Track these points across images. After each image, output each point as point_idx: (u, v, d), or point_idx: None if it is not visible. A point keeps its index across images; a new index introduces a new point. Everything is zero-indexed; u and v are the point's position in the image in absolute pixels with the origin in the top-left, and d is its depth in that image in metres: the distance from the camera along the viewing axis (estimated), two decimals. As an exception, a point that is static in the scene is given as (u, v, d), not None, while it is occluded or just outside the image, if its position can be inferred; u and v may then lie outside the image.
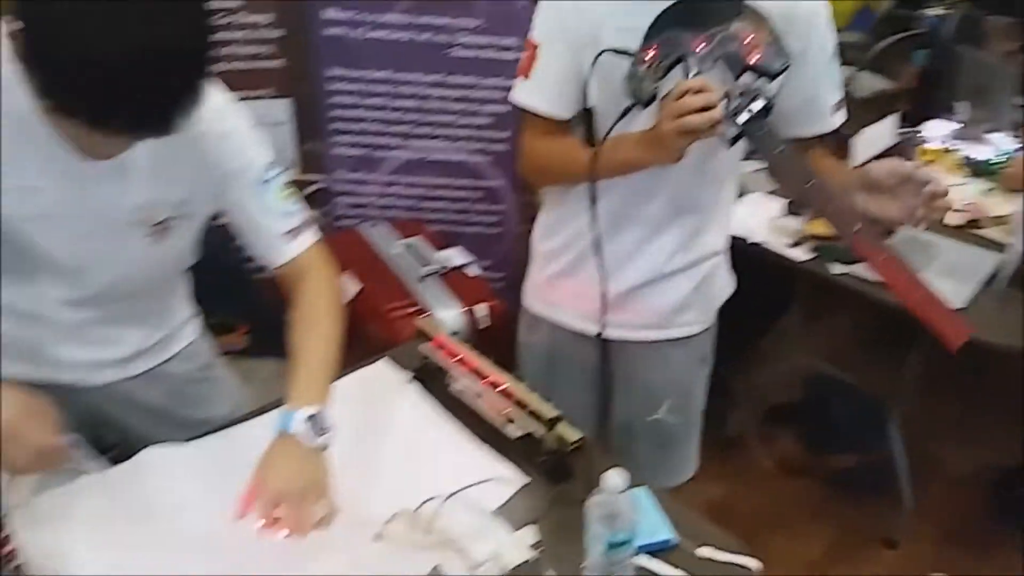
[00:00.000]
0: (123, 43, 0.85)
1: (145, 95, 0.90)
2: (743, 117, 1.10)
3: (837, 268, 2.07)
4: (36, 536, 1.07)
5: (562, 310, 1.58)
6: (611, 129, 1.25)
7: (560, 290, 1.56)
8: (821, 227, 2.13)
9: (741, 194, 2.50)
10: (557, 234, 1.52)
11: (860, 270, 2.01)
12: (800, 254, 2.15)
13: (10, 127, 1.02)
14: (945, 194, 1.25)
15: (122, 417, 1.38)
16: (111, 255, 1.19)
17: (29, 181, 1.06)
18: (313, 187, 2.45)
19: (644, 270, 1.47)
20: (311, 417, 1.11)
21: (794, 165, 1.13)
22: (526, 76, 1.36)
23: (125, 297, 1.29)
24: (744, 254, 2.14)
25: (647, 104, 1.19)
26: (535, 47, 1.34)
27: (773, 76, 1.15)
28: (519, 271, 2.56)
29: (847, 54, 1.63)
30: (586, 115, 1.35)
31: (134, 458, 1.25)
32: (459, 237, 2.45)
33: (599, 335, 1.46)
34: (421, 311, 2.06)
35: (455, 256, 2.24)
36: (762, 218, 2.26)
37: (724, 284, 1.60)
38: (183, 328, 1.45)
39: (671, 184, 1.38)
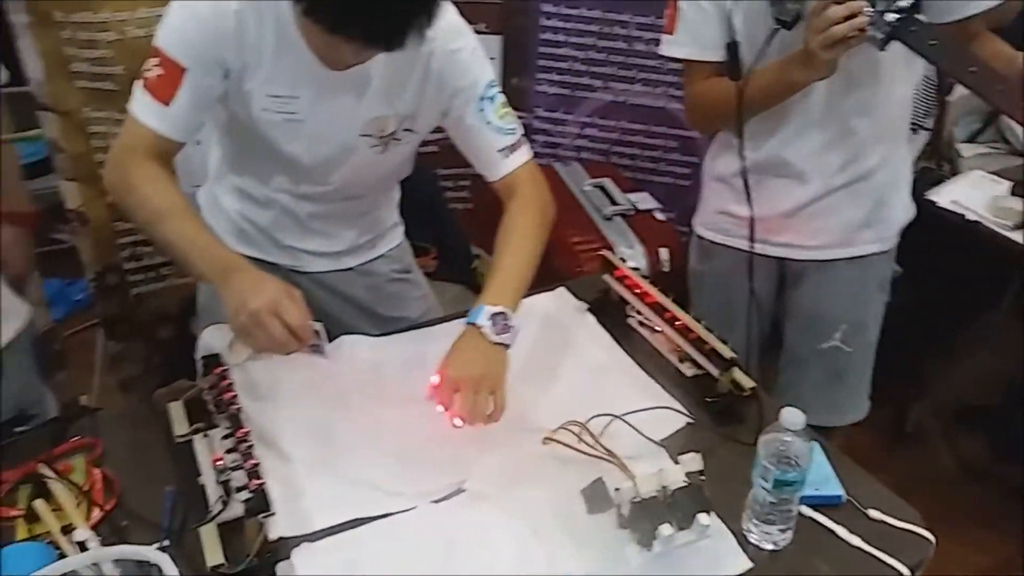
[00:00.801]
0: None
1: (382, 6, 0.98)
2: (891, 17, 1.10)
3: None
4: (248, 394, 1.21)
5: (736, 232, 1.58)
6: (760, 55, 1.30)
7: (733, 213, 1.57)
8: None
9: (960, 172, 2.33)
10: (729, 159, 1.53)
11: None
12: (1022, 238, 1.97)
13: (275, 42, 1.15)
14: None
15: (326, 306, 1.53)
16: (342, 160, 1.31)
17: (286, 90, 1.19)
18: (513, 123, 2.50)
19: (814, 188, 1.48)
20: (498, 314, 1.18)
21: (953, 53, 1.12)
22: (671, 32, 1.45)
23: (348, 198, 1.42)
24: (961, 231, 2.00)
25: (792, 25, 1.23)
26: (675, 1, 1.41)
27: None
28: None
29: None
30: (733, 49, 1.39)
31: (337, 340, 1.38)
32: (647, 185, 2.43)
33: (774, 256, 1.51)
34: (604, 248, 2.08)
35: (643, 200, 2.24)
36: (984, 197, 2.09)
37: (903, 207, 1.57)
38: (390, 232, 1.59)
39: (830, 100, 1.39)
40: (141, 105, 1.17)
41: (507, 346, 1.18)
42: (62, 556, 0.97)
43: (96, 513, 1.06)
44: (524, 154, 1.33)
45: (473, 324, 1.18)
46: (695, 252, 1.72)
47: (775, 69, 1.33)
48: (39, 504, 1.05)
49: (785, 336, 1.64)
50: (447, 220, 2.51)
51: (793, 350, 1.64)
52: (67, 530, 1.01)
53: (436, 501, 1.10)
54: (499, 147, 1.30)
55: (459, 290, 2.31)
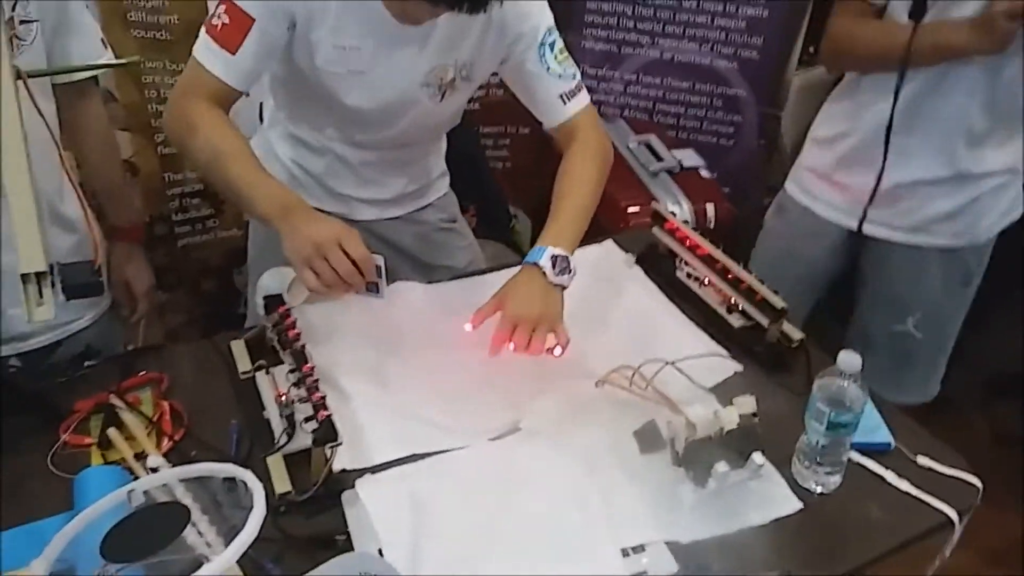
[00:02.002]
0: None
1: None
2: None
3: None
4: (306, 337, 1.24)
5: (823, 198, 1.57)
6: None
7: (828, 178, 1.56)
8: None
9: None
10: (843, 121, 1.51)
11: None
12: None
13: None
14: None
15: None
16: (402, 110, 1.32)
17: (351, 42, 1.21)
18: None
19: (923, 169, 1.44)
20: (559, 257, 1.20)
21: None
22: None
23: (401, 146, 1.44)
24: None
25: None
26: None
27: None
28: (746, 186, 2.52)
29: None
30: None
31: (390, 286, 1.40)
32: (691, 144, 2.43)
33: (858, 230, 1.47)
34: (650, 203, 2.09)
35: (688, 157, 2.23)
36: None
37: (1008, 207, 1.52)
38: (437, 181, 1.60)
39: (975, 83, 1.35)
40: (206, 51, 1.17)
41: (564, 288, 1.20)
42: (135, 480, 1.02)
43: (166, 443, 1.10)
44: (583, 99, 1.34)
45: (534, 264, 1.20)
46: (773, 206, 1.73)
47: (944, 28, 1.29)
48: (112, 432, 1.09)
49: (857, 311, 1.63)
50: (487, 178, 2.52)
51: (864, 328, 1.63)
52: (139, 457, 1.05)
53: (493, 439, 1.13)
54: (559, 92, 1.31)
55: (497, 248, 2.33)
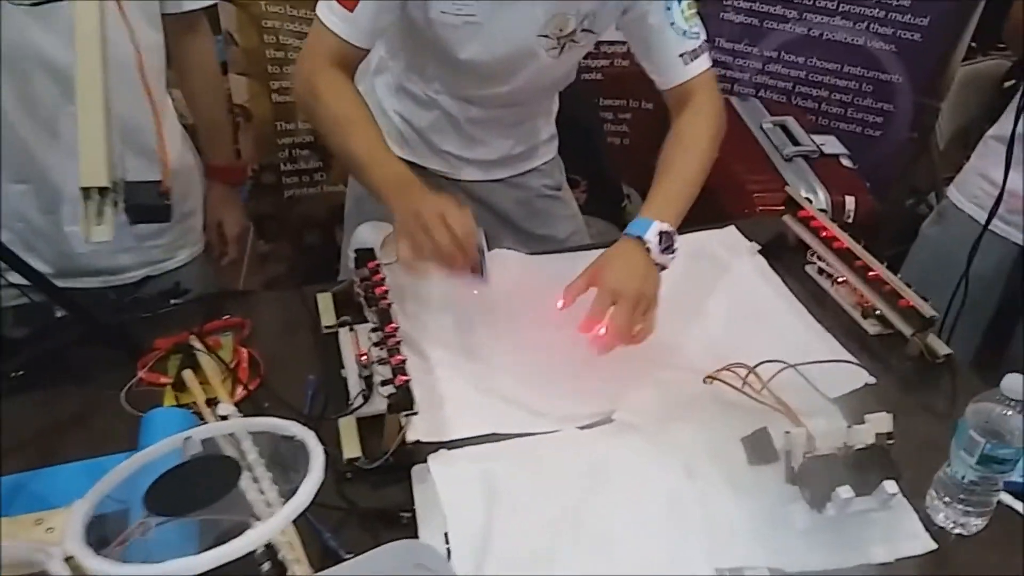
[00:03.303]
0: None
1: None
2: None
3: None
4: (395, 295, 1.17)
5: (982, 203, 1.44)
6: None
7: (989, 179, 1.44)
8: None
9: None
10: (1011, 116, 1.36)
11: None
12: None
13: None
14: None
15: (475, 217, 1.47)
16: (516, 63, 1.24)
17: None
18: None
19: None
20: (666, 233, 1.09)
21: None
22: None
23: (512, 104, 1.36)
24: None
25: None
26: None
27: None
28: (889, 182, 2.29)
29: None
30: None
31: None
32: (831, 132, 2.22)
33: None
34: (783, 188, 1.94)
35: (829, 143, 2.04)
36: None
37: None
38: (544, 145, 1.51)
39: None
40: (326, 11, 1.14)
41: (664, 268, 1.10)
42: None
43: (240, 391, 1.06)
44: (705, 61, 1.22)
45: (639, 238, 1.09)
46: (933, 214, 1.60)
47: None
48: (187, 374, 1.05)
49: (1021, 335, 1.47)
50: (601, 153, 2.41)
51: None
52: (211, 403, 1.01)
53: (582, 427, 1.03)
54: (681, 51, 1.19)
55: (604, 226, 2.22)
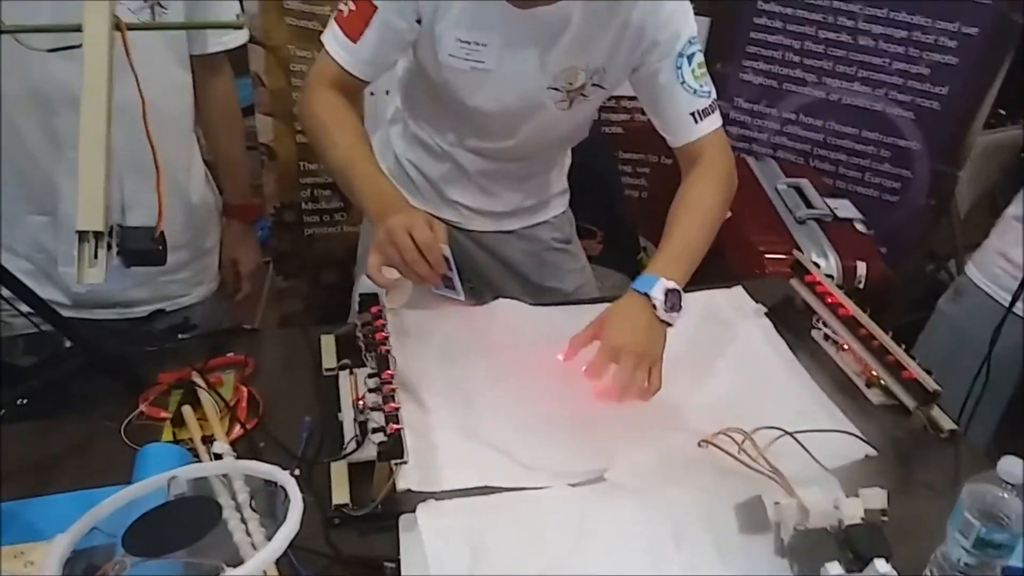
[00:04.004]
0: None
1: None
2: None
3: None
4: (397, 340, 1.18)
5: (1001, 283, 1.43)
6: None
7: (1008, 258, 1.43)
8: None
9: None
10: None
11: None
12: None
13: None
14: None
15: (484, 267, 1.49)
16: (525, 113, 1.26)
17: (475, 35, 1.15)
18: (709, 110, 2.36)
19: None
20: (672, 291, 1.09)
21: None
22: None
23: (522, 157, 1.38)
24: None
25: None
26: None
27: None
28: (907, 248, 2.28)
29: None
30: None
31: (490, 304, 1.34)
32: (848, 196, 2.21)
33: None
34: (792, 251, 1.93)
35: (843, 207, 2.03)
36: None
37: None
38: (555, 199, 1.53)
39: None
40: (331, 38, 1.18)
41: (670, 326, 1.09)
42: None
43: (237, 429, 1.06)
44: (715, 120, 1.23)
45: (645, 294, 1.09)
46: (950, 290, 1.58)
47: None
48: (187, 410, 1.06)
49: None
50: (619, 205, 2.42)
51: None
52: (207, 440, 1.02)
53: (573, 485, 1.01)
54: (691, 110, 1.20)
55: (620, 279, 2.22)
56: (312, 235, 2.31)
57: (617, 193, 2.47)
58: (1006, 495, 0.83)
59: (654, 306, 1.08)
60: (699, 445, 1.03)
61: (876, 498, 0.87)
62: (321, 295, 2.40)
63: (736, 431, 1.02)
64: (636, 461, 1.04)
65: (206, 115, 1.44)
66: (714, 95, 1.22)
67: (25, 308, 0.97)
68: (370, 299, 1.16)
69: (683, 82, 1.18)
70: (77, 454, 1.02)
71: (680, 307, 1.10)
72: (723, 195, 1.21)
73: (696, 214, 1.18)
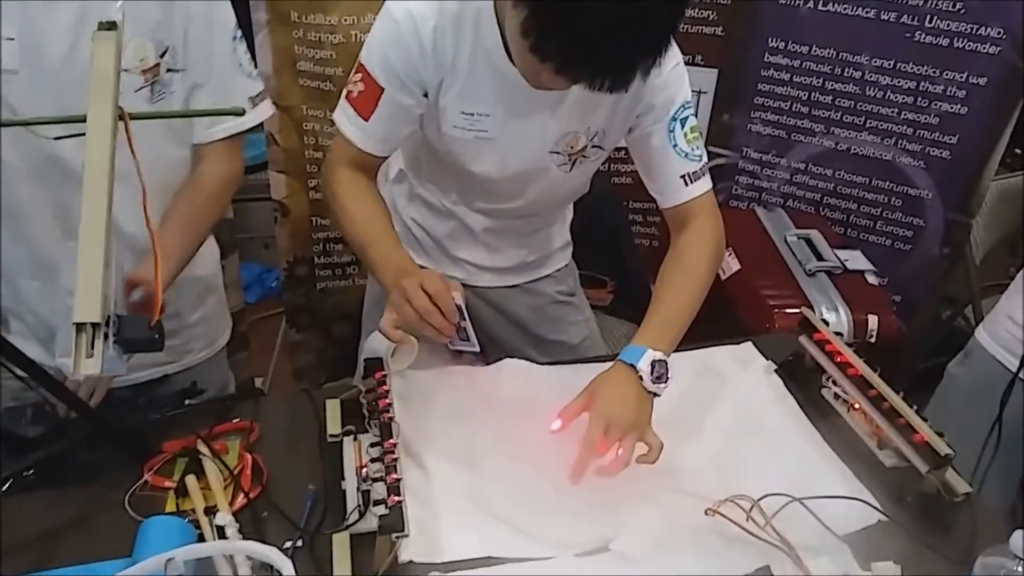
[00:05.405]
0: (614, 4, 0.88)
1: (614, 50, 0.93)
2: None
3: None
4: (403, 404, 1.18)
5: (1010, 347, 1.40)
6: None
7: (1017, 322, 1.41)
8: None
9: None
10: None
11: None
12: None
13: (471, 59, 1.13)
14: None
15: (488, 321, 1.50)
16: (528, 178, 1.27)
17: (478, 108, 1.17)
18: (717, 160, 2.38)
19: None
20: (659, 362, 1.10)
21: None
22: None
23: (525, 215, 1.39)
24: None
25: None
26: None
27: None
28: (920, 298, 2.25)
29: None
30: None
31: (495, 364, 1.33)
32: (859, 245, 2.20)
33: None
34: (802, 306, 1.91)
35: (854, 259, 2.01)
36: None
37: None
38: (558, 253, 1.54)
39: None
40: (344, 118, 1.20)
41: (657, 396, 1.10)
42: (200, 535, 0.98)
43: (240, 498, 1.06)
44: (705, 183, 1.24)
45: (632, 366, 1.09)
46: (961, 354, 1.55)
47: None
48: (190, 480, 1.06)
49: None
50: (630, 255, 2.41)
51: None
52: (210, 511, 1.02)
53: (578, 555, 1.00)
54: (681, 172, 1.21)
55: (630, 328, 2.21)
56: (324, 288, 2.33)
57: (627, 243, 2.47)
58: (1019, 569, 0.81)
59: (640, 377, 1.08)
60: (706, 513, 1.01)
61: (887, 571, 0.85)
62: (333, 348, 2.41)
63: (743, 498, 1.01)
64: (642, 529, 1.03)
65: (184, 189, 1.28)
66: (705, 159, 1.24)
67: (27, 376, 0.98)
68: (375, 364, 1.16)
69: (675, 145, 1.20)
70: (81, 525, 1.02)
71: (667, 378, 1.10)
72: (714, 259, 1.22)
73: (686, 279, 1.20)
